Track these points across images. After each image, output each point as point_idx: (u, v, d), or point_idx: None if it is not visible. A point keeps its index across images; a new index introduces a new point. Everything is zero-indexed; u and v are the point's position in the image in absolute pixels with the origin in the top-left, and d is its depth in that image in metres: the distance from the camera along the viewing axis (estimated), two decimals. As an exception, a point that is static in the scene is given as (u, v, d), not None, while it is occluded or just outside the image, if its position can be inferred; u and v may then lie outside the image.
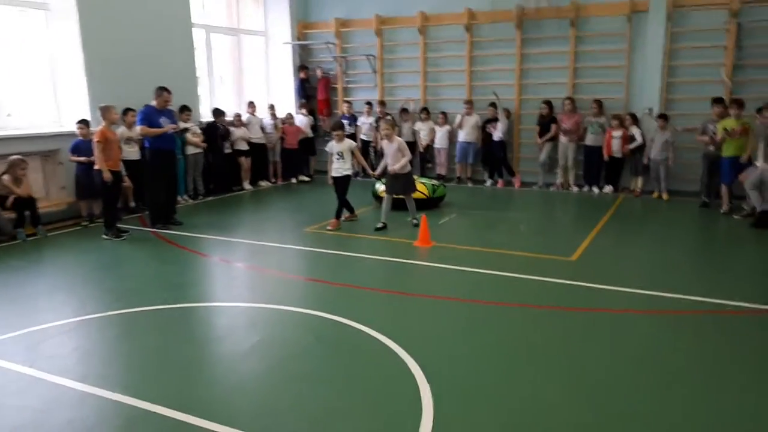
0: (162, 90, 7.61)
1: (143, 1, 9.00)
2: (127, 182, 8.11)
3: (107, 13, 8.43)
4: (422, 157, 11.53)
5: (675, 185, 9.71)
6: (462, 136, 11.00)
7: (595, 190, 10.20)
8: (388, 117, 9.48)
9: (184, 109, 9.45)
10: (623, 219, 8.33)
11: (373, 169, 8.32)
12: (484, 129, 10.89)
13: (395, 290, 5.42)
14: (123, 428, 3.19)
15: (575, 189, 10.37)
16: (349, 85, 12.58)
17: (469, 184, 11.11)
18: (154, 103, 7.59)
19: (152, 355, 4.12)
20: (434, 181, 9.25)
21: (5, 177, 7.02)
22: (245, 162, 10.72)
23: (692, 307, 4.87)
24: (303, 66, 12.54)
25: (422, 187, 8.67)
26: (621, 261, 6.31)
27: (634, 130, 9.63)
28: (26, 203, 7.13)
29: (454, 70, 11.49)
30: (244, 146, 10.66)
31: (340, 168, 7.57)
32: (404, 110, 11.50)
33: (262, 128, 11.23)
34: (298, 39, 12.53)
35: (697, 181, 9.21)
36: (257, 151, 11.04)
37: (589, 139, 10.08)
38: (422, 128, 11.34)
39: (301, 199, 10.26)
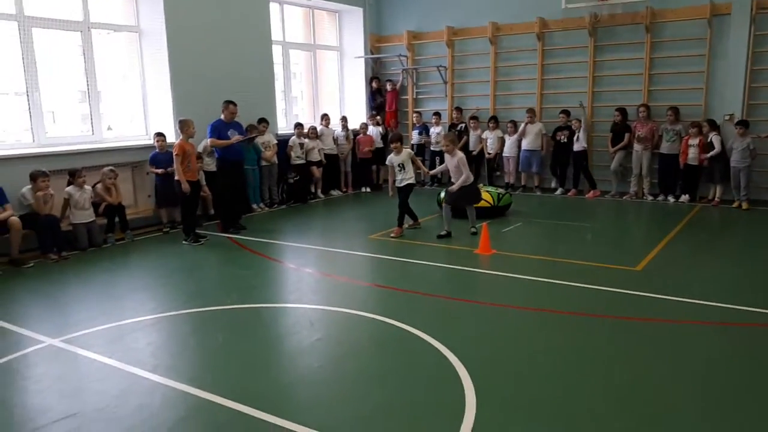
0: (228, 103, 8.10)
1: (226, 21, 9.59)
2: (206, 192, 8.65)
3: (192, 34, 9.04)
4: (490, 165, 11.54)
5: (757, 194, 9.23)
6: (525, 144, 10.95)
7: (671, 199, 9.85)
8: (450, 131, 9.38)
9: (262, 120, 9.96)
10: (697, 229, 8.02)
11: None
12: (553, 137, 10.77)
13: (452, 296, 5.52)
14: (185, 415, 3.49)
15: (650, 198, 10.05)
16: (420, 96, 12.78)
17: (538, 193, 11.00)
18: (222, 116, 8.08)
19: (219, 351, 4.44)
20: (501, 190, 9.22)
21: (98, 186, 7.69)
22: (317, 172, 11.12)
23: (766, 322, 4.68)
24: (374, 78, 12.86)
25: (487, 195, 8.64)
26: (689, 272, 6.12)
27: (713, 138, 9.24)
28: (116, 210, 7.77)
29: (525, 79, 11.45)
30: (318, 157, 11.06)
31: (402, 179, 7.74)
32: (474, 118, 11.56)
33: (335, 139, 11.61)
34: (371, 52, 12.87)
35: (783, 191, 8.74)
36: (330, 161, 11.42)
37: (665, 147, 9.77)
38: (490, 137, 11.35)
39: (369, 208, 10.52)
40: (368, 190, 11.95)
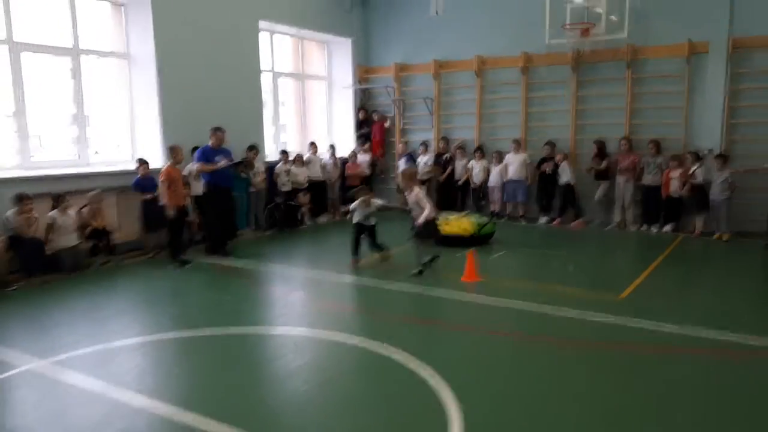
0: (215, 130, 8.19)
1: (216, 50, 9.70)
2: (191, 216, 8.64)
3: (183, 61, 9.13)
4: (476, 194, 11.67)
5: (738, 226, 9.42)
6: (510, 173, 11.12)
7: (654, 229, 10.01)
8: (406, 169, 8.70)
9: (252, 147, 10.03)
10: (680, 259, 8.15)
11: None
12: (538, 167, 10.96)
13: (437, 322, 5.55)
14: (170, 437, 3.46)
15: (633, 228, 10.20)
16: (406, 127, 12.95)
17: (523, 222, 11.12)
18: (210, 142, 8.14)
19: (204, 374, 4.42)
20: (484, 219, 9.31)
21: (85, 209, 7.66)
22: (304, 198, 11.15)
23: (744, 349, 4.75)
24: (362, 108, 13.03)
25: (468, 224, 8.76)
26: (671, 301, 6.20)
27: (697, 171, 9.42)
28: (102, 233, 7.73)
29: (510, 111, 11.67)
30: (304, 183, 11.10)
31: (368, 221, 7.75)
32: (460, 148, 11.73)
33: (323, 167, 11.69)
34: (359, 83, 13.06)
35: (762, 222, 8.92)
36: (317, 188, 11.48)
37: (647, 179, 9.97)
38: (476, 166, 11.51)
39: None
40: (355, 217, 11.99)
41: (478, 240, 8.74)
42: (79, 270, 7.40)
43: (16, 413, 3.83)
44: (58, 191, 7.46)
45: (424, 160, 11.99)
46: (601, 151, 10.38)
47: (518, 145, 11.12)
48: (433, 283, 6.82)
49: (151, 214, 8.22)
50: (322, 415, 3.78)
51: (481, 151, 11.56)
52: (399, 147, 12.47)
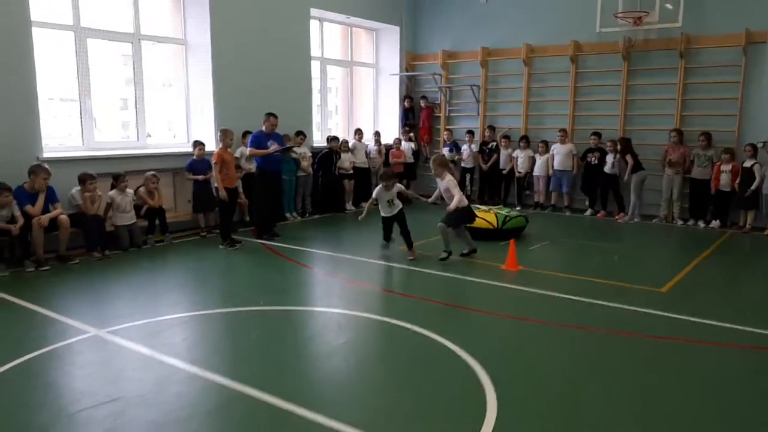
0: (269, 115, 8.42)
1: (268, 37, 9.95)
2: (242, 199, 8.96)
3: (236, 47, 9.43)
4: (520, 184, 11.66)
5: (790, 223, 9.17)
6: (556, 164, 11.06)
7: (701, 224, 9.82)
8: (437, 156, 8.42)
9: (299, 133, 10.28)
10: (726, 254, 8.02)
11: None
12: (583, 158, 10.87)
13: (476, 308, 5.67)
14: (220, 404, 3.71)
15: (680, 222, 10.04)
16: (452, 114, 12.99)
17: (567, 213, 11.07)
18: (263, 128, 8.38)
19: (252, 347, 4.67)
20: (512, 212, 8.96)
21: (141, 189, 8.05)
22: (348, 185, 11.36)
23: (782, 345, 4.72)
24: (408, 96, 13.13)
25: (491, 217, 8.51)
26: (715, 296, 6.16)
27: (755, 167, 9.17)
28: (157, 213, 8.11)
29: (557, 100, 11.57)
30: (349, 169, 11.31)
31: (391, 210, 7.74)
32: (505, 137, 11.72)
33: (367, 153, 11.87)
34: (406, 70, 13.14)
35: (817, 220, 8.67)
36: (361, 174, 11.67)
37: (696, 172, 9.78)
38: (521, 156, 11.49)
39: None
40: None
41: (503, 233, 8.37)
42: (136, 247, 7.80)
43: (80, 375, 4.15)
44: (117, 171, 7.86)
45: (468, 149, 12.03)
46: (626, 148, 10.20)
47: (565, 134, 11.04)
48: (473, 270, 6.92)
49: (202, 195, 8.56)
50: (363, 389, 3.98)
51: (526, 140, 11.52)
52: (444, 135, 12.55)
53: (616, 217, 10.50)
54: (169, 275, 6.98)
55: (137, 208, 7.97)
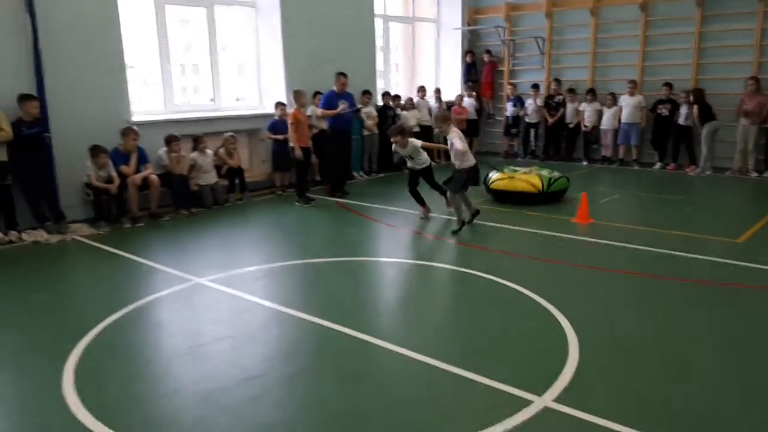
0: (339, 75, 8.60)
1: (333, -3, 10.12)
2: (313, 158, 9.27)
3: (304, 8, 9.61)
4: (586, 138, 11.54)
5: None
6: (624, 116, 10.87)
7: (778, 175, 9.57)
8: (438, 111, 7.71)
9: (366, 92, 10.46)
10: (806, 206, 7.84)
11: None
12: (653, 110, 10.65)
13: (550, 259, 5.82)
14: (319, 341, 4.06)
15: (754, 174, 9.78)
16: (516, 68, 12.86)
17: (636, 167, 10.93)
18: (334, 87, 8.58)
19: (337, 293, 5.01)
20: (555, 173, 8.25)
21: (221, 150, 8.47)
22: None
23: None
24: (469, 50, 13.05)
25: (536, 180, 7.94)
26: (794, 246, 6.10)
27: None
28: (236, 173, 8.54)
29: (626, 50, 11.30)
30: (415, 128, 11.44)
31: (414, 165, 7.30)
32: (571, 90, 11.56)
33: (429, 111, 11.95)
34: (468, 24, 13.03)
35: None
36: (425, 132, 11.78)
37: (774, 122, 9.47)
38: (587, 109, 11.34)
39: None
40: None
41: (547, 197, 7.90)
42: (218, 204, 8.26)
43: (194, 316, 4.59)
44: (197, 133, 8.28)
45: (533, 103, 11.95)
46: (699, 99, 9.88)
47: (634, 86, 10.80)
48: (543, 224, 7.04)
49: (281, 154, 8.92)
50: (450, 329, 4.26)
51: (593, 93, 11.34)
52: (507, 89, 12.48)
53: (687, 169, 10.31)
54: (251, 230, 7.41)
55: (217, 168, 8.40)
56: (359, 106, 9.83)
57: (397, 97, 11.23)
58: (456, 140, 6.48)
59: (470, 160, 6.70)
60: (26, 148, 6.63)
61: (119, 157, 7.30)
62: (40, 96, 6.80)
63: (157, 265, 5.71)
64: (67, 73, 7.12)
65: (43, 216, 6.87)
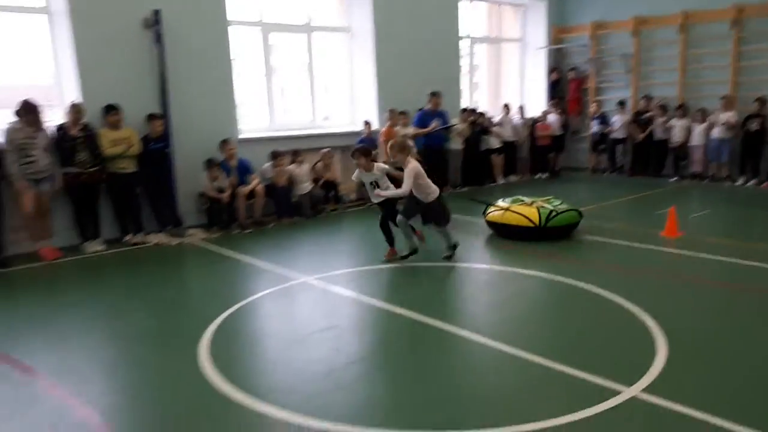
0: (433, 95, 9.02)
1: (421, 20, 10.62)
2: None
3: (395, 32, 10.19)
4: (676, 154, 11.42)
5: None
6: (715, 132, 10.70)
7: None
8: (396, 139, 6.63)
9: (464, 110, 10.94)
10: None
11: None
12: (743, 125, 10.44)
13: (640, 270, 5.95)
14: (414, 333, 4.45)
15: None
16: (601, 85, 12.91)
17: (727, 183, 10.71)
18: (428, 106, 9.03)
19: (428, 291, 5.41)
20: (561, 206, 7.17)
21: (318, 164, 9.11)
22: (497, 159, 11.80)
23: None
24: (554, 68, 13.23)
25: (532, 212, 6.95)
26: None
27: None
28: (331, 185, 9.14)
29: (716, 66, 11.15)
30: (497, 144, 11.73)
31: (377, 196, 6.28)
32: (661, 107, 11.50)
33: (513, 128, 12.21)
34: (553, 43, 13.23)
35: None
36: (509, 148, 12.05)
37: None
38: (677, 125, 11.24)
39: (547, 192, 10.94)
40: (545, 175, 12.37)
41: (544, 233, 6.90)
42: (316, 214, 8.86)
43: (303, 309, 5.12)
44: (296, 148, 8.95)
45: (621, 120, 11.96)
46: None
47: (726, 101, 10.64)
48: (633, 236, 7.13)
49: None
50: (542, 330, 4.54)
51: (683, 108, 11.24)
52: (592, 107, 12.55)
53: (782, 186, 10.04)
54: (346, 237, 7.95)
55: (315, 180, 9.02)
56: (453, 123, 10.17)
57: (482, 114, 11.58)
58: (408, 175, 5.81)
59: (434, 193, 6.11)
60: (152, 161, 7.50)
61: (229, 169, 8.04)
62: (165, 115, 7.66)
63: (266, 266, 6.31)
64: (186, 96, 7.96)
65: (164, 221, 7.70)
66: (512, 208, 7.11)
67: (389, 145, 6.16)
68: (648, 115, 11.62)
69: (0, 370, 4.01)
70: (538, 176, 12.38)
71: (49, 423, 3.31)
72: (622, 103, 12.00)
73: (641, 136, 11.68)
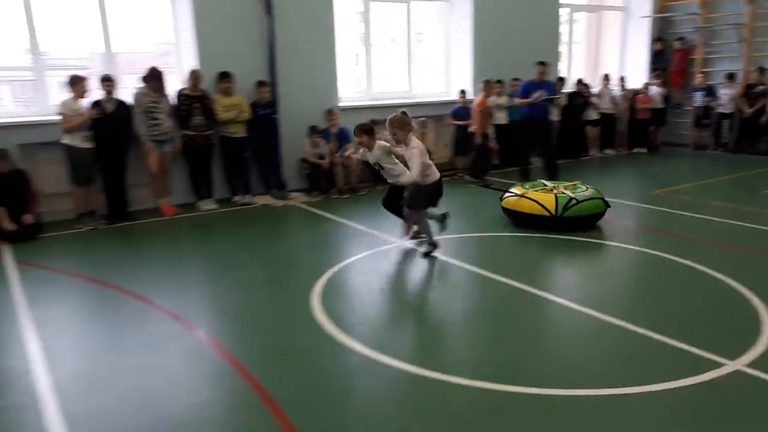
0: (538, 64, 8.84)
1: (521, -13, 10.51)
2: (492, 144, 9.78)
3: (493, 2, 10.12)
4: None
5: None
6: None
7: None
8: (395, 115, 5.56)
9: (562, 80, 10.77)
10: None
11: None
12: None
13: (742, 246, 5.81)
14: (513, 299, 4.61)
15: None
16: (709, 56, 12.26)
17: None
18: (534, 76, 8.82)
19: (521, 260, 5.54)
20: (585, 193, 6.48)
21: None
22: (593, 131, 11.55)
23: None
24: (658, 38, 12.67)
25: (549, 200, 6.30)
26: None
27: None
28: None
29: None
30: (594, 116, 11.48)
31: (389, 177, 5.78)
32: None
33: (612, 99, 11.87)
34: (659, 11, 12.64)
35: None
36: (606, 120, 11.76)
37: None
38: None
39: (646, 167, 10.69)
40: (644, 150, 12.00)
41: (562, 223, 6.24)
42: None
43: (399, 269, 5.41)
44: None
45: (729, 93, 11.37)
46: None
47: None
48: (738, 215, 6.90)
49: (463, 139, 9.56)
50: (638, 300, 4.60)
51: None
52: (698, 78, 11.97)
53: None
54: (443, 205, 8.10)
55: (409, 149, 9.23)
56: (557, 95, 9.75)
57: (585, 85, 11.33)
58: (415, 155, 5.26)
59: (434, 175, 5.50)
60: (260, 126, 7.95)
61: (329, 137, 8.39)
62: (272, 82, 8.07)
63: (365, 229, 6.63)
64: (292, 64, 8.33)
65: (270, 184, 8.18)
66: (528, 194, 6.47)
67: (388, 120, 5.44)
68: (761, 88, 10.97)
69: (140, 308, 4.54)
70: (636, 150, 12.03)
71: (185, 357, 3.77)
72: (731, 76, 11.37)
73: (750, 110, 11.07)
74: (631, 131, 12.19)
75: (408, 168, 5.44)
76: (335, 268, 5.31)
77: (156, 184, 7.45)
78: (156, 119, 7.13)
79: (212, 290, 5.01)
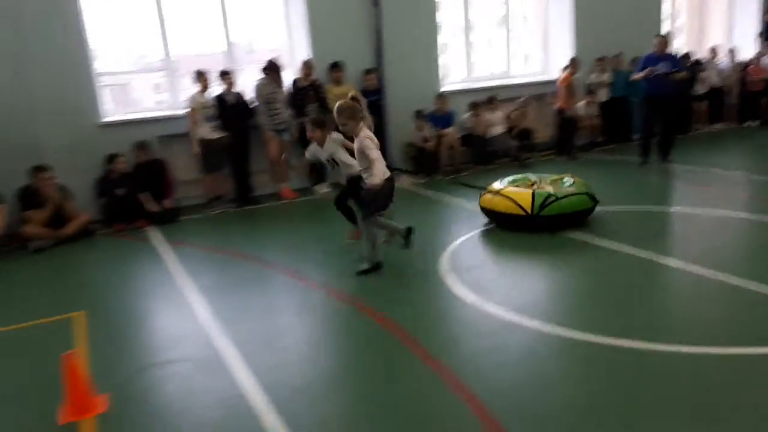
0: (657, 36, 8.45)
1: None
2: (593, 120, 9.73)
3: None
4: None
5: None
6: None
7: None
8: (342, 102, 4.74)
9: (686, 55, 10.60)
10: None
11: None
12: None
13: None
14: (631, 266, 4.71)
15: None
16: (831, 21, 11.49)
17: None
18: (654, 49, 8.47)
19: (652, 230, 5.58)
20: (569, 189, 5.85)
21: (514, 113, 9.42)
22: (700, 106, 11.14)
23: None
24: (773, 5, 11.98)
25: (525, 198, 5.70)
26: None
27: None
28: (526, 133, 9.42)
29: None
30: (702, 90, 11.07)
31: (342, 173, 5.32)
32: None
33: (720, 72, 11.38)
34: (773, -24, 11.97)
35: None
36: (714, 94, 11.31)
37: None
38: None
39: (753, 140, 10.29)
40: (755, 123, 11.45)
41: (538, 222, 5.66)
42: (507, 158, 9.18)
43: (521, 242, 5.58)
44: (490, 96, 9.31)
45: None
46: None
47: None
48: None
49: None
50: (747, 256, 4.55)
51: None
52: (818, 46, 11.26)
53: None
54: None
55: (509, 129, 9.33)
56: (675, 69, 8.99)
57: (697, 60, 10.97)
58: (367, 145, 4.58)
59: (387, 171, 4.70)
60: (370, 112, 8.30)
61: (434, 120, 8.67)
62: (379, 69, 8.43)
63: (474, 207, 6.84)
64: (398, 52, 8.66)
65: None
66: (503, 192, 5.91)
67: (336, 108, 4.66)
68: None
69: (286, 281, 5.02)
70: (747, 124, 11.50)
71: (338, 319, 4.22)
72: None
73: None
74: (741, 104, 11.66)
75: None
76: (461, 239, 5.67)
77: (275, 170, 8.00)
78: (275, 109, 7.67)
79: (340, 261, 5.26)
